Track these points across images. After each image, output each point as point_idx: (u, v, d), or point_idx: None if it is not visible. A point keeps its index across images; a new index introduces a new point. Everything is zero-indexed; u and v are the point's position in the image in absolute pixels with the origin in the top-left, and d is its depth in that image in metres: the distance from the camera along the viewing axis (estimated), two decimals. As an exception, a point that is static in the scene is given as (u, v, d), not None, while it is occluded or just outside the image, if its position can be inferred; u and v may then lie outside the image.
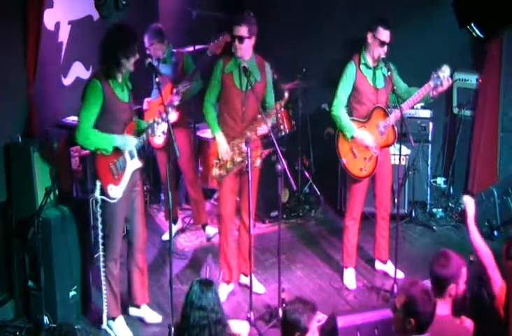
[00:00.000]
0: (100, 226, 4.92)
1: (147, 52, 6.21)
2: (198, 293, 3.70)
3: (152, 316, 5.33)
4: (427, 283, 3.87)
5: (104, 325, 5.13)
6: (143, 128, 5.03)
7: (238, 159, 5.41)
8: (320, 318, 5.23)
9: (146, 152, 6.61)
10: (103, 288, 5.05)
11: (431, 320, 3.59)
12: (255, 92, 5.25)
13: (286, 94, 5.33)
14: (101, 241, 4.95)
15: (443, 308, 3.85)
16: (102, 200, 4.85)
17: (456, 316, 3.94)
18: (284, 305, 3.82)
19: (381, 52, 5.50)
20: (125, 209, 5.04)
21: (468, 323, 3.96)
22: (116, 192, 4.89)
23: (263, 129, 5.34)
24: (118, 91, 4.86)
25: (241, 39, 5.26)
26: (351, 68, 5.61)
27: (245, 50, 5.31)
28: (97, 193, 4.82)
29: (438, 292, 3.86)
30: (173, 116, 5.94)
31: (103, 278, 5.03)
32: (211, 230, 6.60)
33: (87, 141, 4.79)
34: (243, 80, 5.31)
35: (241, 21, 5.29)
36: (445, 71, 5.40)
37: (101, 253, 5.00)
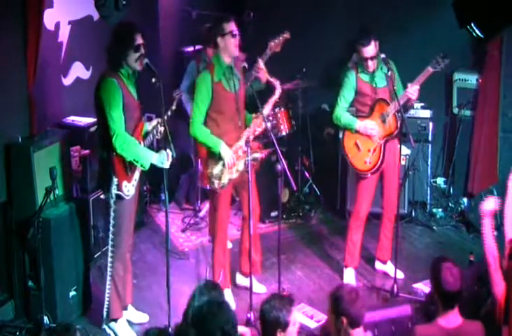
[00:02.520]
0: (112, 222, 4.91)
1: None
2: (199, 298, 3.70)
3: (137, 316, 5.34)
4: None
5: (104, 326, 5.13)
6: (147, 130, 5.04)
7: (240, 165, 5.31)
8: (320, 318, 5.26)
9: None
10: (107, 287, 5.04)
11: (361, 316, 3.71)
12: (240, 90, 5.29)
13: (278, 91, 5.32)
14: (111, 236, 4.93)
15: (455, 318, 3.90)
16: (116, 196, 4.85)
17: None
18: (261, 304, 3.79)
19: (371, 64, 5.55)
20: (134, 207, 5.07)
21: (479, 324, 3.98)
22: (129, 189, 4.91)
23: (260, 129, 5.34)
24: (131, 88, 4.87)
25: (236, 34, 5.19)
26: (351, 77, 5.66)
27: (238, 45, 5.24)
28: (114, 189, 4.82)
29: (449, 306, 3.90)
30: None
31: (108, 277, 5.02)
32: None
33: (127, 148, 4.74)
34: (231, 82, 5.26)
35: (229, 17, 5.23)
36: (445, 59, 5.41)
37: (109, 253, 4.98)
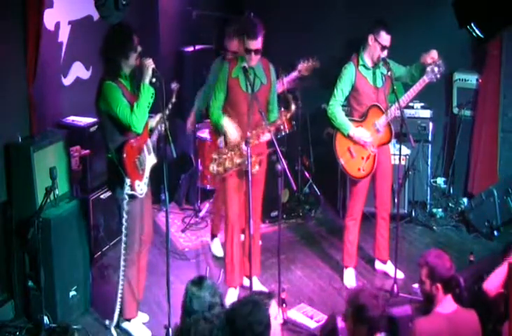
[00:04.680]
0: (125, 224, 4.87)
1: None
2: (190, 297, 3.71)
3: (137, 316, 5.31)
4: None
5: (112, 326, 5.10)
6: (152, 127, 5.04)
7: (238, 160, 5.27)
8: (320, 318, 5.26)
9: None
10: (120, 287, 5.01)
11: (381, 324, 3.72)
12: (259, 94, 5.24)
13: (293, 107, 5.26)
14: (124, 239, 4.90)
15: (450, 303, 3.96)
16: (129, 197, 4.81)
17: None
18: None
19: (381, 55, 5.53)
20: (144, 205, 5.05)
21: (473, 311, 4.03)
22: (142, 187, 4.90)
23: (266, 136, 5.27)
24: (130, 89, 4.85)
25: (258, 51, 5.19)
26: (350, 70, 5.61)
27: (258, 58, 5.26)
28: (127, 189, 4.78)
29: (448, 290, 3.96)
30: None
31: (121, 277, 4.98)
32: (217, 247, 6.42)
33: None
34: (248, 83, 5.22)
35: (256, 34, 5.15)
36: (440, 66, 5.41)
37: (122, 256, 4.94)
